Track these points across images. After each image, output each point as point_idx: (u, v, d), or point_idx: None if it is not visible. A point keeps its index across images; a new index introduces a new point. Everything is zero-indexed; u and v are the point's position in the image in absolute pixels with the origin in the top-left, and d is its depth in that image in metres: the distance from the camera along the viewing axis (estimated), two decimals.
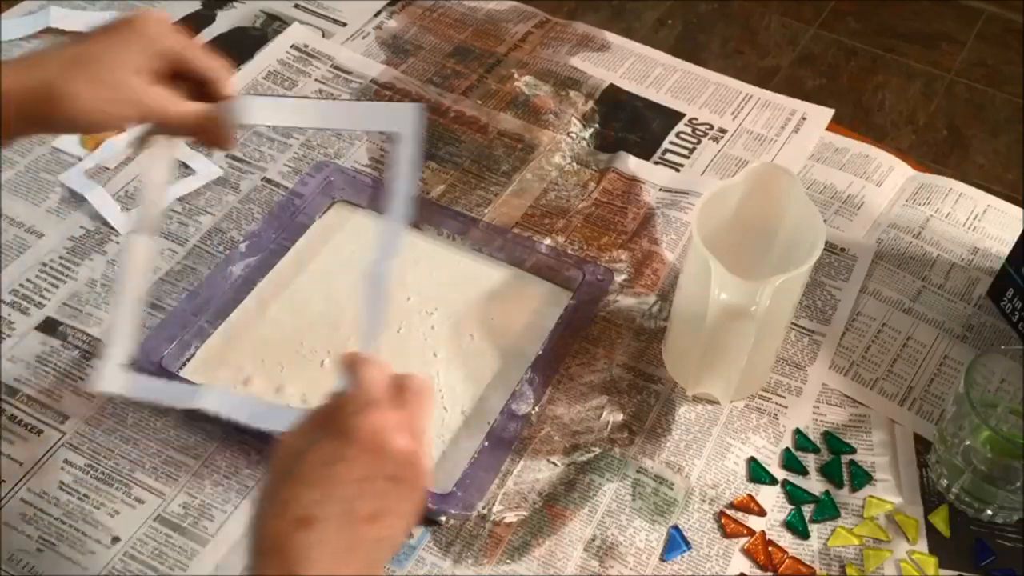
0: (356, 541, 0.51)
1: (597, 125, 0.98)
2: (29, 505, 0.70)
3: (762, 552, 0.70)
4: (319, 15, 1.07)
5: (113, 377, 0.66)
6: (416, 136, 0.65)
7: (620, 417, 0.77)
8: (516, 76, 1.02)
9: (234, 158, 0.92)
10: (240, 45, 1.03)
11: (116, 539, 0.69)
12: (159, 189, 0.68)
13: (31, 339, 0.79)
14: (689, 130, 0.99)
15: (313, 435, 0.53)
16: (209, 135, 0.65)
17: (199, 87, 0.65)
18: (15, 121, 0.61)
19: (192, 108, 0.64)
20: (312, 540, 0.49)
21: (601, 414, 0.77)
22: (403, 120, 0.66)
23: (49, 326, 0.79)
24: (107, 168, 0.90)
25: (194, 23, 1.05)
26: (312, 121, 0.70)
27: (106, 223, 0.86)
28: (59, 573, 0.67)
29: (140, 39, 0.63)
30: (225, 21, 1.05)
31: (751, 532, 0.71)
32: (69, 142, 0.92)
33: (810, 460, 0.76)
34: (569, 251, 0.86)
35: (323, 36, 1.05)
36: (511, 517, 0.71)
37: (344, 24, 1.06)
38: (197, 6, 1.06)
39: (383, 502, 0.52)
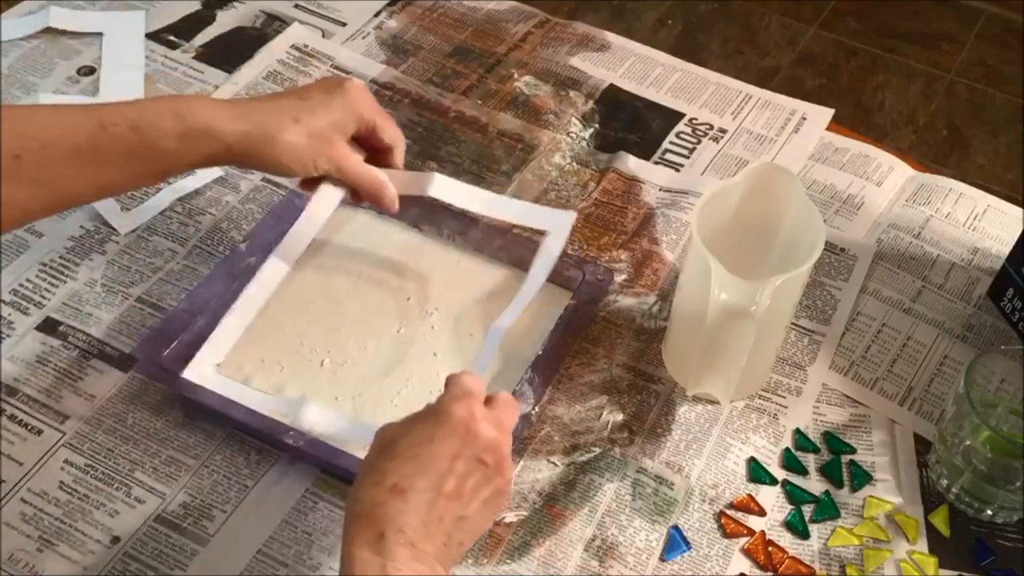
0: (441, 514, 0.57)
1: (597, 125, 0.98)
2: (29, 505, 0.70)
3: (762, 552, 0.70)
4: (319, 15, 1.07)
5: (203, 373, 0.73)
6: (564, 235, 0.79)
7: (620, 417, 0.77)
8: (516, 76, 1.02)
9: None
10: (240, 45, 1.03)
11: (116, 539, 0.69)
12: (316, 224, 0.78)
13: (31, 339, 0.79)
14: (689, 130, 0.99)
15: (412, 422, 0.60)
16: (376, 197, 0.76)
17: (376, 152, 0.77)
18: (223, 156, 0.70)
19: (373, 172, 0.75)
20: (402, 507, 0.56)
21: (601, 414, 0.77)
22: (558, 222, 0.80)
23: (49, 326, 0.79)
24: None
25: (194, 23, 1.05)
26: (482, 209, 0.80)
27: (106, 223, 0.86)
28: (59, 573, 0.67)
29: (345, 104, 0.73)
30: (225, 21, 1.05)
31: (751, 532, 0.71)
32: None
33: (810, 460, 0.76)
34: (569, 251, 0.86)
35: (323, 36, 1.05)
36: (511, 517, 0.71)
37: (344, 24, 1.06)
38: (197, 6, 1.06)
39: (468, 482, 0.58)
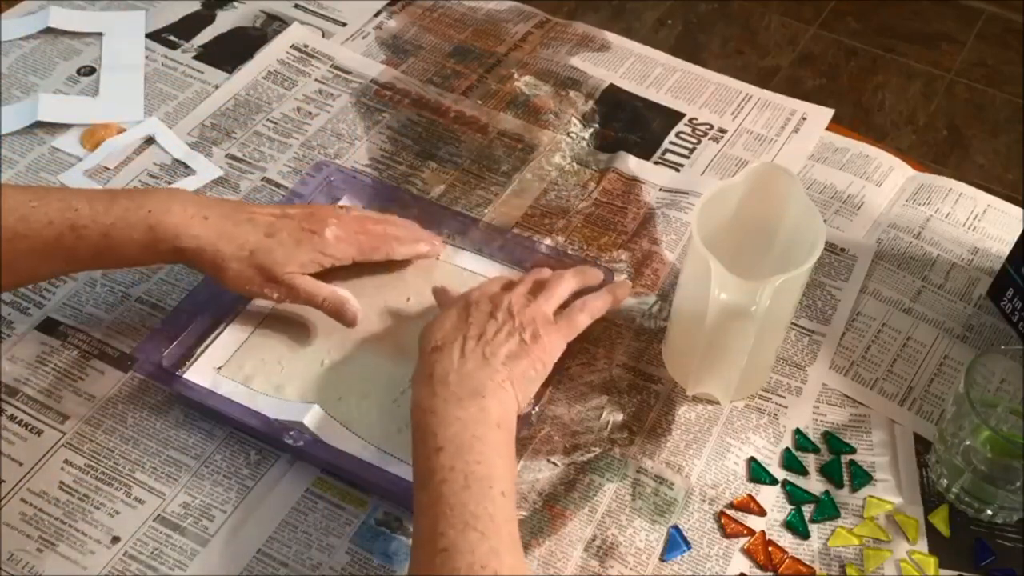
0: (471, 353, 0.68)
1: (597, 125, 0.98)
2: (29, 505, 0.70)
3: (762, 552, 0.70)
4: (319, 15, 1.07)
5: (203, 373, 0.75)
6: None
7: (620, 417, 0.77)
8: (516, 76, 1.02)
9: (234, 158, 0.92)
10: (240, 45, 1.03)
11: (116, 539, 0.69)
12: None
13: (31, 339, 0.79)
14: (689, 130, 0.99)
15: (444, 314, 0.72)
16: (336, 314, 0.77)
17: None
18: (178, 259, 0.73)
19: (332, 292, 0.77)
20: (442, 356, 0.68)
21: (601, 414, 0.77)
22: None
23: (49, 326, 0.79)
24: (107, 168, 0.90)
25: (194, 23, 1.05)
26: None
27: None
28: (59, 573, 0.67)
29: (315, 251, 0.76)
30: (225, 21, 1.05)
31: (751, 532, 0.71)
32: (69, 142, 0.92)
33: (810, 460, 0.76)
34: (569, 251, 0.86)
35: (323, 36, 1.05)
36: None
37: (344, 24, 1.06)
38: (197, 6, 1.06)
39: (490, 327, 0.69)
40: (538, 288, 0.75)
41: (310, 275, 0.76)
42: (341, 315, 0.77)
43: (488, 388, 0.66)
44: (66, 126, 0.93)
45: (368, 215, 0.82)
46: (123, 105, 0.96)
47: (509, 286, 0.74)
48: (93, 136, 0.92)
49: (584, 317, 0.75)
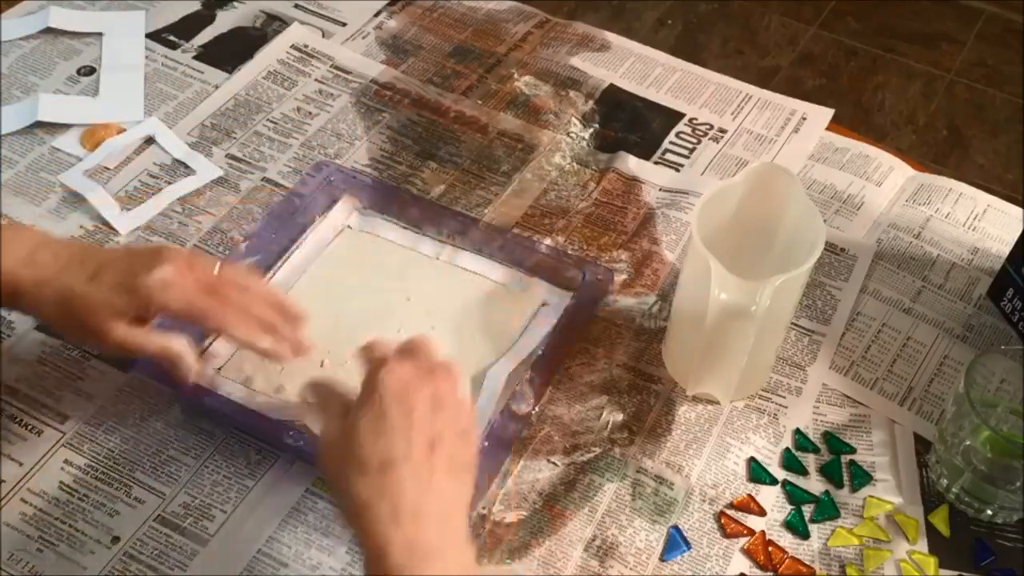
0: (432, 468, 0.57)
1: (597, 125, 0.98)
2: (29, 505, 0.70)
3: (762, 552, 0.70)
4: (319, 15, 1.07)
5: (205, 374, 0.74)
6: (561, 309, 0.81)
7: (620, 417, 0.77)
8: (516, 76, 1.02)
9: (234, 158, 0.92)
10: (240, 45, 1.03)
11: (116, 539, 0.69)
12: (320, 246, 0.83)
13: (31, 339, 0.79)
14: (689, 130, 0.99)
15: (350, 416, 0.59)
16: (169, 371, 0.69)
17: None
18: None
19: (152, 347, 0.68)
20: (400, 477, 0.56)
21: (601, 414, 0.77)
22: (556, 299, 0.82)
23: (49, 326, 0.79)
24: (107, 168, 0.90)
25: (194, 23, 1.05)
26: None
27: (106, 223, 0.86)
28: (59, 573, 0.67)
29: (136, 292, 0.66)
30: (225, 21, 1.05)
31: (751, 532, 0.71)
32: (69, 142, 0.92)
33: (810, 460, 0.76)
34: (569, 251, 0.86)
35: (323, 36, 1.05)
36: (511, 517, 0.71)
37: (344, 24, 1.06)
38: (197, 6, 1.06)
39: (434, 429, 0.58)
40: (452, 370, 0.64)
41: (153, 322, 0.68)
42: (176, 373, 0.69)
43: (455, 517, 0.58)
44: (66, 126, 0.93)
45: (247, 283, 0.71)
46: (123, 105, 0.95)
47: (432, 370, 0.61)
48: (93, 136, 0.92)
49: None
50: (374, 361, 0.61)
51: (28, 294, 0.66)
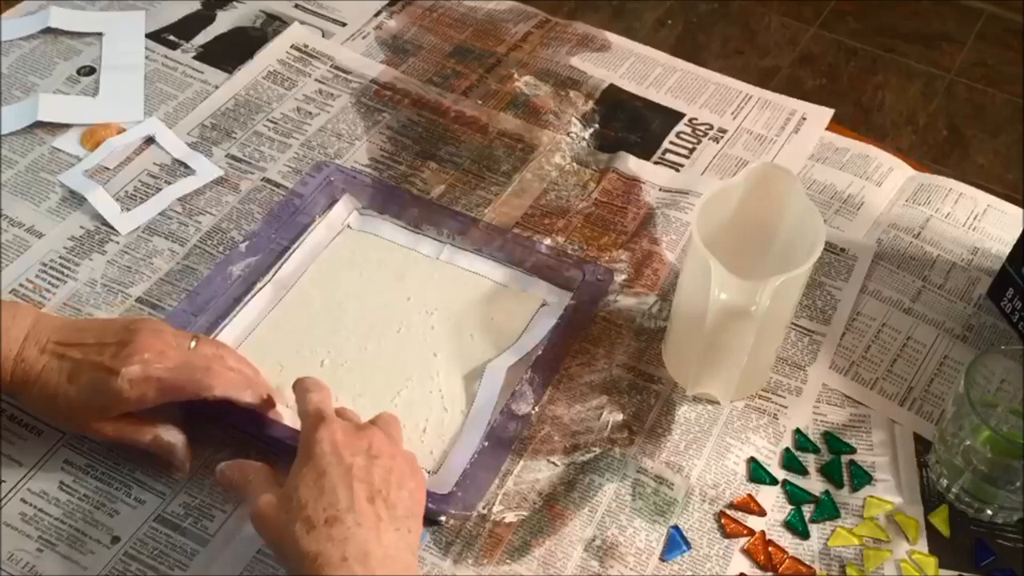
0: (377, 516, 0.59)
1: (597, 125, 0.98)
2: (29, 505, 0.70)
3: (762, 552, 0.70)
4: (319, 15, 1.07)
5: None
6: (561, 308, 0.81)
7: (620, 417, 0.77)
8: (516, 76, 1.02)
9: (234, 158, 0.92)
10: (240, 45, 1.03)
11: (116, 539, 0.69)
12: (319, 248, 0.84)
13: None
14: (689, 130, 0.99)
15: (290, 480, 0.62)
16: (163, 460, 0.70)
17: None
18: None
19: (146, 438, 0.69)
20: (347, 525, 0.58)
21: (601, 414, 0.77)
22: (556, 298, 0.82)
23: None
24: (107, 168, 0.90)
25: (194, 23, 1.05)
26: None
27: (106, 223, 0.86)
28: (59, 573, 0.67)
29: (108, 394, 0.66)
30: (225, 21, 1.05)
31: (751, 532, 0.71)
32: (69, 142, 0.92)
33: (810, 460, 0.76)
34: (569, 251, 0.86)
35: (323, 36, 1.05)
36: (511, 517, 0.71)
37: (344, 24, 1.06)
38: (197, 6, 1.06)
39: (372, 480, 0.61)
40: (389, 423, 0.67)
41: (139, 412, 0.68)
42: (169, 462, 0.70)
43: (413, 564, 0.60)
44: (66, 126, 0.93)
45: (218, 348, 0.71)
46: (123, 105, 0.95)
47: (365, 427, 0.65)
48: (93, 136, 0.92)
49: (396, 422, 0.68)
50: (309, 419, 0.64)
51: (17, 394, 0.69)
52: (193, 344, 0.69)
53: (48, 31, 1.02)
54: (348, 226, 0.87)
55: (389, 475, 0.62)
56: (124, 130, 0.93)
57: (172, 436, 0.69)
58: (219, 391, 0.68)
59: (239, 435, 0.74)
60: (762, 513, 0.72)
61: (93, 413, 0.67)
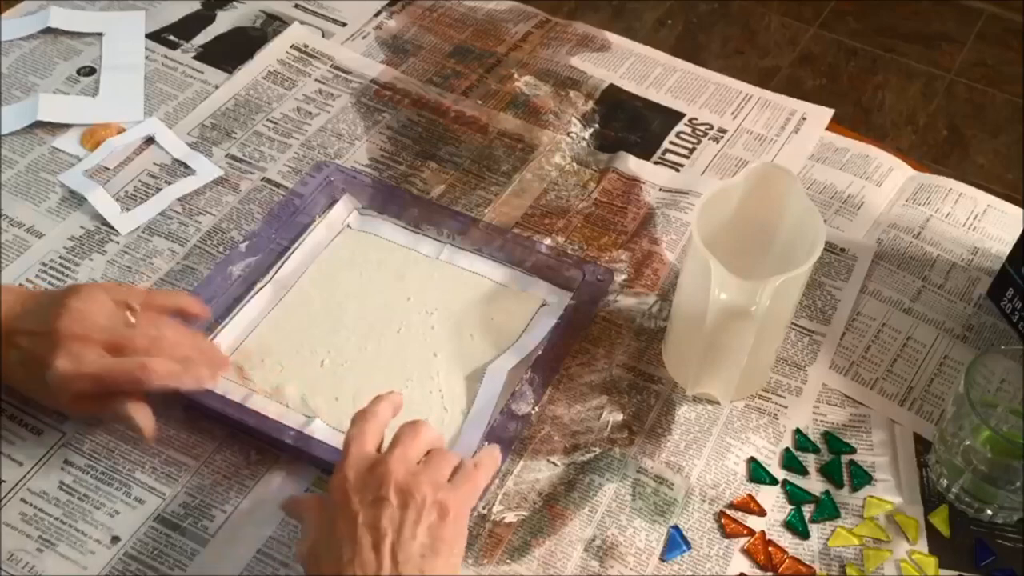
0: (382, 564, 0.56)
1: (597, 125, 0.98)
2: (29, 505, 0.70)
3: (762, 552, 0.70)
4: (319, 15, 1.07)
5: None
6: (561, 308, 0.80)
7: (620, 417, 0.77)
8: (516, 76, 1.02)
9: (234, 158, 0.92)
10: (240, 45, 1.03)
11: (116, 539, 0.69)
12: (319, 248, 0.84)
13: None
14: (689, 130, 0.99)
15: (313, 528, 0.61)
16: (132, 383, 0.67)
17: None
18: None
19: (106, 415, 0.69)
20: None
21: (601, 414, 0.77)
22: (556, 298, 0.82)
23: None
24: (107, 168, 0.90)
25: (194, 23, 1.05)
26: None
27: (106, 223, 0.86)
28: (59, 573, 0.67)
29: (48, 384, 0.65)
30: (225, 21, 1.05)
31: (751, 532, 0.71)
32: (69, 142, 0.92)
33: (810, 460, 0.76)
34: (569, 251, 0.86)
35: (323, 36, 1.05)
36: (511, 517, 0.71)
37: (344, 24, 1.06)
38: (197, 6, 1.06)
39: (383, 522, 0.57)
40: (406, 445, 0.62)
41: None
42: (132, 429, 0.69)
43: None
44: (66, 126, 0.93)
45: (142, 329, 0.68)
46: (123, 105, 0.95)
47: (380, 461, 0.60)
48: (93, 136, 0.92)
49: (483, 476, 0.64)
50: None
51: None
52: (132, 319, 0.67)
53: (48, 31, 1.02)
54: (348, 226, 0.87)
55: (403, 512, 0.58)
56: (124, 130, 0.93)
57: (134, 409, 0.67)
58: (157, 384, 0.66)
59: (239, 434, 0.74)
60: (762, 513, 0.72)
61: (56, 400, 0.68)
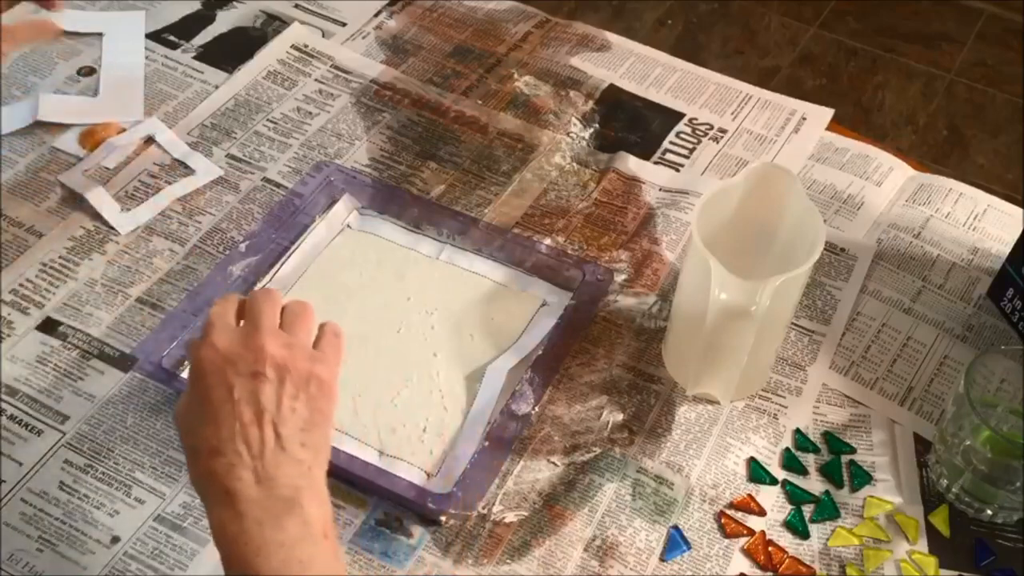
0: (262, 440, 0.55)
1: (597, 125, 0.98)
2: (29, 505, 0.70)
3: (762, 552, 0.70)
4: (319, 15, 1.07)
5: None
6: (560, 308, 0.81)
7: (620, 417, 0.77)
8: (516, 76, 1.02)
9: (234, 158, 0.92)
10: (240, 45, 1.03)
11: (116, 539, 0.69)
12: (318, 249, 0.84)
13: (31, 339, 0.79)
14: (689, 130, 0.99)
15: (186, 392, 0.58)
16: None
17: None
18: None
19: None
20: (225, 460, 0.54)
21: (601, 414, 0.77)
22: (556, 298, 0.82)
23: (49, 326, 0.79)
24: (107, 168, 0.90)
25: (194, 23, 1.05)
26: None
27: (106, 223, 0.86)
28: (59, 573, 0.67)
29: None
30: (225, 21, 1.05)
31: (751, 532, 0.71)
32: (69, 142, 0.92)
33: (810, 460, 0.76)
34: (569, 251, 0.86)
35: (323, 36, 1.05)
36: (511, 517, 0.71)
37: (344, 24, 1.06)
38: (197, 6, 1.06)
39: (261, 399, 0.55)
40: (268, 315, 0.60)
41: None
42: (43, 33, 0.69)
43: (302, 491, 0.55)
44: (66, 126, 0.93)
45: None
46: (123, 105, 0.95)
47: (250, 334, 0.58)
48: (93, 136, 0.92)
49: (342, 340, 0.63)
50: (201, 332, 0.59)
51: None
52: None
53: None
54: (348, 226, 0.87)
55: (281, 388, 0.56)
56: (124, 130, 0.93)
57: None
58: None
59: None
60: (762, 513, 0.72)
61: None
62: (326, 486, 0.56)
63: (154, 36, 1.03)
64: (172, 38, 1.03)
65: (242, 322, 0.60)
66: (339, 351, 0.61)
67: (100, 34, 1.02)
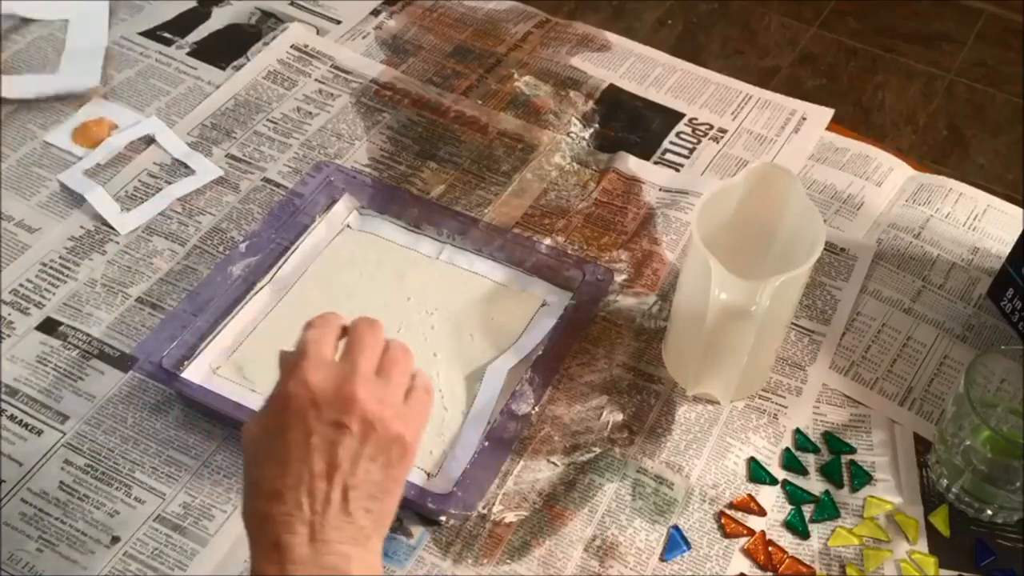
0: (326, 496, 0.52)
1: (597, 125, 0.98)
2: (29, 505, 0.70)
3: (762, 552, 0.70)
4: (314, 12, 1.07)
5: (202, 373, 0.75)
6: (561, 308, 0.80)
7: (620, 417, 0.77)
8: (516, 76, 1.02)
9: (234, 158, 0.92)
10: (235, 42, 1.03)
11: (116, 539, 0.69)
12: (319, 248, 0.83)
13: (31, 339, 0.79)
14: (689, 130, 0.98)
15: (263, 415, 0.55)
16: None
17: None
18: None
19: None
20: (284, 509, 0.51)
21: (601, 414, 0.77)
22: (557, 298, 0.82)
23: (49, 326, 0.79)
24: (107, 168, 0.90)
25: (189, 20, 1.05)
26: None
27: (106, 223, 0.86)
28: (59, 573, 0.67)
29: None
30: (220, 18, 1.05)
31: (751, 532, 0.71)
32: (60, 137, 0.92)
33: (810, 460, 0.76)
34: (569, 251, 0.86)
35: (317, 33, 1.05)
36: (511, 517, 0.71)
37: (339, 22, 1.06)
38: (192, 3, 1.06)
39: (338, 452, 0.53)
40: (368, 358, 0.57)
41: None
42: None
43: (352, 561, 0.52)
44: (57, 120, 0.93)
45: None
46: (81, 73, 0.96)
47: (346, 378, 0.55)
48: (86, 133, 0.92)
49: (432, 398, 0.60)
50: (290, 359, 0.56)
51: None
52: None
53: (12, 18, 1.02)
54: (348, 226, 0.87)
55: (362, 447, 0.53)
56: (116, 127, 0.93)
57: None
58: None
59: (239, 434, 0.74)
60: (762, 513, 0.72)
61: None
62: (380, 557, 0.54)
63: (149, 33, 1.03)
64: (166, 35, 1.03)
65: (339, 352, 0.57)
66: (427, 410, 0.58)
67: (66, 21, 1.03)
